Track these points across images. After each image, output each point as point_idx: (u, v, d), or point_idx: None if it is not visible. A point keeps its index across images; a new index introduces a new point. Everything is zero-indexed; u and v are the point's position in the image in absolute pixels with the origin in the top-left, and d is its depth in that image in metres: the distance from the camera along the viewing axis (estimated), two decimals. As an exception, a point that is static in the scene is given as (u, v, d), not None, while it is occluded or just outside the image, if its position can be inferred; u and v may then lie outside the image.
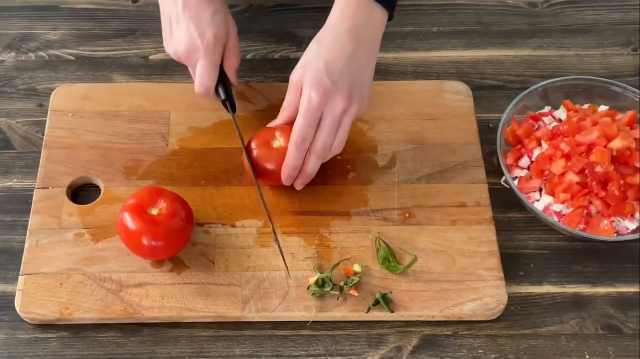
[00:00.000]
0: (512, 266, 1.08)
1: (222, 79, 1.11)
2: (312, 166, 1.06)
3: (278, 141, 1.08)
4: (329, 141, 1.04)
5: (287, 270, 1.03)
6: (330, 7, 1.32)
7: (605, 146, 1.07)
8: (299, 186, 1.09)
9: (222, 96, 1.11)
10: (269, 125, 1.10)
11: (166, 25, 1.11)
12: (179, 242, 1.03)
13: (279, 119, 1.09)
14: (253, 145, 1.09)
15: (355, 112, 1.05)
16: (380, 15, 1.07)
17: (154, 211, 1.01)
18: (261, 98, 1.21)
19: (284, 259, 1.03)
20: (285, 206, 1.11)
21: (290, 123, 1.08)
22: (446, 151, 1.16)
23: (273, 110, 1.19)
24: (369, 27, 1.06)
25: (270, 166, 1.07)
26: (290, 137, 1.04)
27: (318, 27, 1.32)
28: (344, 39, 1.04)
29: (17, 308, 1.02)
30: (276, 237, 1.05)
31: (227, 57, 1.11)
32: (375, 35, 1.07)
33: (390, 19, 1.09)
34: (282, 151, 1.06)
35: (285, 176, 1.06)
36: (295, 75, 1.06)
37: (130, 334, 1.02)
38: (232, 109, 1.11)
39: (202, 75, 1.08)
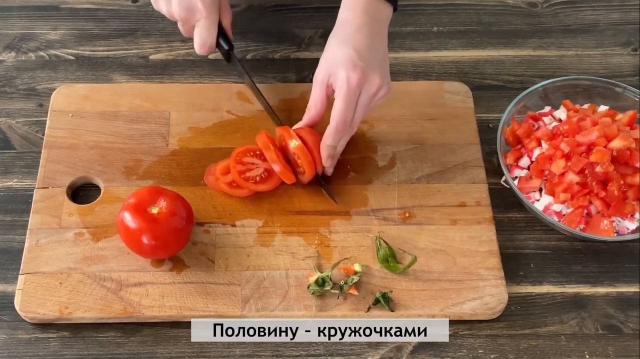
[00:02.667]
0: (512, 266, 1.08)
1: (220, 33, 1.15)
2: (341, 146, 1.09)
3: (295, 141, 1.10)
4: (358, 119, 1.07)
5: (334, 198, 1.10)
6: (329, 7, 1.33)
7: (605, 146, 1.07)
8: (330, 171, 1.11)
9: (226, 46, 1.15)
10: (294, 127, 1.11)
11: None
12: (179, 241, 1.03)
13: (306, 119, 1.10)
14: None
15: (384, 95, 1.07)
16: (387, 9, 1.10)
17: (154, 210, 1.01)
18: (261, 98, 1.21)
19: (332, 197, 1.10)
20: (285, 206, 1.11)
21: (314, 124, 1.10)
22: (446, 151, 1.16)
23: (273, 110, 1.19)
24: (380, 21, 1.09)
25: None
26: (331, 121, 1.05)
27: (318, 27, 1.33)
28: (364, 31, 1.06)
29: (17, 308, 1.01)
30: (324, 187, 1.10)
31: (222, 14, 1.15)
32: (385, 28, 1.10)
33: (394, 10, 1.11)
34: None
35: (325, 156, 1.08)
36: (320, 74, 1.07)
37: (130, 334, 1.02)
38: (234, 56, 1.16)
39: (203, 34, 1.12)
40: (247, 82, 1.18)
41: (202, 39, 1.13)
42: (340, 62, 1.04)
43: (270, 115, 1.16)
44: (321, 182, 1.11)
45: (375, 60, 1.06)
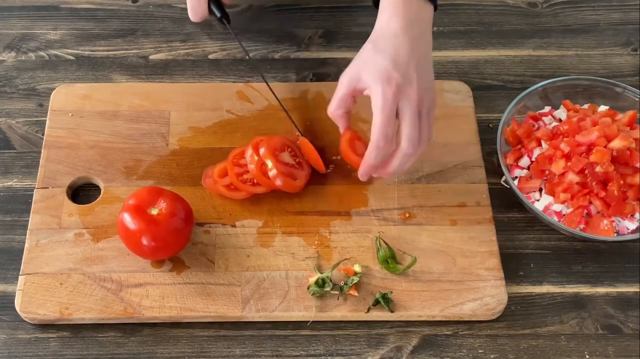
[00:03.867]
0: (512, 266, 1.08)
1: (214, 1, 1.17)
2: (397, 165, 1.03)
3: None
4: (414, 134, 1.01)
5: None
6: (329, 7, 1.32)
7: (605, 146, 1.07)
8: (365, 178, 1.07)
9: (218, 14, 1.17)
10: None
11: None
12: (179, 242, 1.03)
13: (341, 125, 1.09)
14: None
15: (430, 104, 1.03)
16: (427, 9, 1.06)
17: (154, 211, 1.01)
18: (261, 98, 1.21)
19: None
20: (285, 206, 1.11)
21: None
22: (446, 151, 1.16)
23: (273, 110, 1.19)
24: (421, 22, 1.05)
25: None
26: (372, 138, 1.01)
27: (318, 27, 1.33)
28: (402, 37, 1.02)
29: (17, 308, 1.01)
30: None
31: None
32: (427, 29, 1.06)
33: (435, 9, 1.08)
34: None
35: (362, 174, 1.05)
36: (347, 76, 1.04)
37: (130, 334, 1.02)
38: (229, 23, 1.17)
39: (194, 4, 1.14)
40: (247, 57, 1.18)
41: (192, 7, 1.14)
42: (376, 73, 1.00)
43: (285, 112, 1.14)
44: None
45: (412, 70, 1.01)
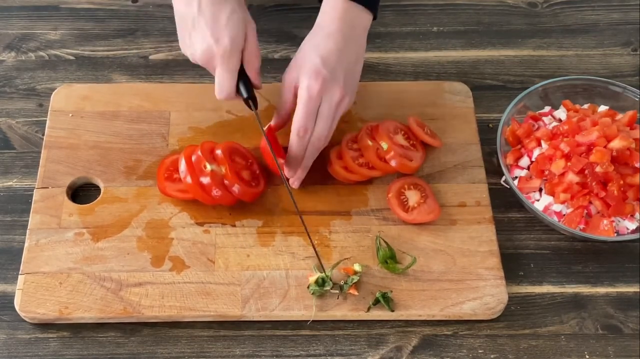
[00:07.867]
0: (512, 266, 1.08)
1: (242, 78, 1.07)
2: (310, 158, 1.08)
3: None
4: (324, 131, 1.06)
5: (323, 269, 1.05)
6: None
7: (605, 146, 1.07)
8: (296, 184, 1.10)
9: (244, 95, 1.07)
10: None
11: (182, 27, 1.08)
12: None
13: (276, 120, 1.11)
14: None
15: (347, 105, 1.07)
16: (365, 17, 1.09)
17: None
18: (261, 98, 1.21)
19: (318, 257, 1.05)
20: (285, 206, 1.11)
21: (284, 124, 1.10)
22: (446, 151, 1.16)
23: (273, 110, 1.19)
24: (356, 28, 1.08)
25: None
26: (292, 128, 1.05)
27: (318, 27, 1.32)
28: (335, 37, 1.06)
29: (17, 308, 1.01)
30: (310, 239, 1.06)
31: (247, 60, 1.06)
32: (361, 35, 1.10)
33: (374, 19, 1.11)
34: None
35: (289, 168, 1.08)
36: (287, 75, 1.07)
37: (130, 334, 1.02)
38: (255, 106, 1.08)
39: (220, 83, 1.06)
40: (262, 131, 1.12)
41: (218, 86, 1.06)
42: (305, 69, 1.04)
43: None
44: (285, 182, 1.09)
45: (340, 69, 1.05)
